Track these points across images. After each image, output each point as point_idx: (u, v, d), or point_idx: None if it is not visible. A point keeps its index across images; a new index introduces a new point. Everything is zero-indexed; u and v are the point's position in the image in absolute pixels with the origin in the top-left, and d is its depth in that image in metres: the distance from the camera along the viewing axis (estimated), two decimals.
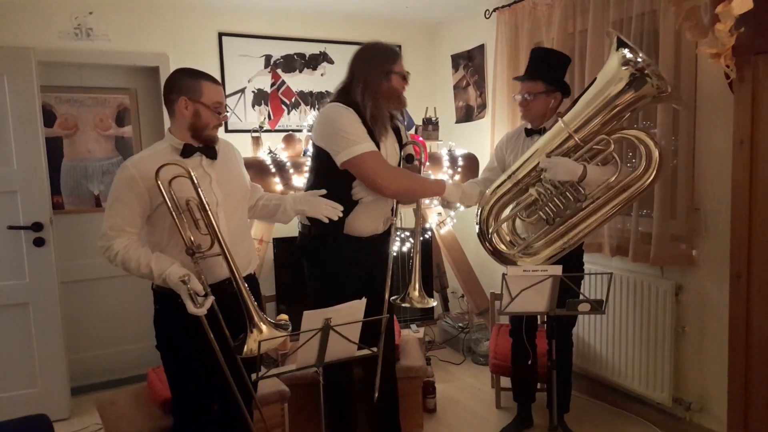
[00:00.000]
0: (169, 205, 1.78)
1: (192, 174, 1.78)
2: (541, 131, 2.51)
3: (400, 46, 4.28)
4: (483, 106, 3.95)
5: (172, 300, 1.81)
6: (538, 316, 2.76)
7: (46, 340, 3.09)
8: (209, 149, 1.95)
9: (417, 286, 2.24)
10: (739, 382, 2.12)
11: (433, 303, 2.27)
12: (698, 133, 2.57)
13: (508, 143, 2.70)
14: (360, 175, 2.19)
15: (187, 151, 1.91)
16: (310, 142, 3.34)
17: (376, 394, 2.33)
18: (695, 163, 2.59)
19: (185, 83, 1.90)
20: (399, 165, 2.37)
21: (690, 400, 2.70)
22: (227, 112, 2.03)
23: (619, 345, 2.96)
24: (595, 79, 2.22)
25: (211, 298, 1.80)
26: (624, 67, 2.10)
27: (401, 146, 2.39)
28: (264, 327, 1.76)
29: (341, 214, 2.16)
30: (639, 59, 2.07)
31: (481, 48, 3.91)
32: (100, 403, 2.46)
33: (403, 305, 2.28)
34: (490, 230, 2.42)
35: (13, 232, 3.01)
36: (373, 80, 2.20)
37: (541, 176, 2.27)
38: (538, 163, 2.29)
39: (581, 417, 2.98)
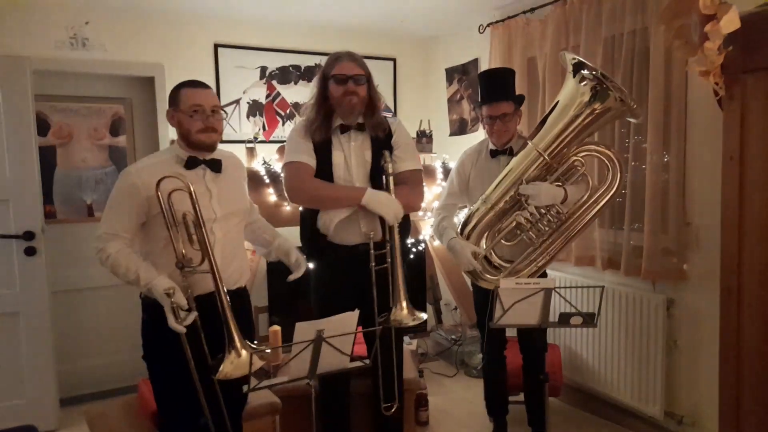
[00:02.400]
0: (166, 216, 1.79)
1: (191, 189, 1.78)
2: (507, 151, 2.54)
3: (393, 60, 4.33)
4: (477, 120, 3.98)
5: (160, 310, 1.80)
6: (506, 332, 2.77)
7: (36, 350, 3.06)
8: (214, 162, 1.95)
9: (404, 304, 2.13)
10: (731, 396, 2.13)
11: (424, 316, 2.17)
12: (689, 149, 2.60)
13: (470, 165, 2.66)
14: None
15: (190, 163, 1.92)
16: None
17: (383, 405, 2.32)
18: (686, 178, 2.62)
19: (171, 96, 1.95)
20: (370, 173, 2.28)
21: (682, 414, 2.71)
22: (214, 114, 1.94)
23: (611, 358, 2.97)
24: (557, 102, 2.33)
25: (193, 314, 1.80)
26: (583, 83, 2.23)
27: (376, 157, 2.28)
28: (243, 352, 1.73)
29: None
30: (594, 73, 2.18)
31: (475, 62, 3.95)
32: (90, 414, 2.44)
33: (393, 326, 2.16)
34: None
35: (4, 241, 2.99)
36: (317, 90, 2.29)
37: (524, 202, 2.35)
38: (516, 189, 2.36)
39: (572, 430, 2.98)
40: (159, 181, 1.77)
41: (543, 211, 2.35)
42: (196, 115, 1.89)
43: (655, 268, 2.68)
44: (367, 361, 1.94)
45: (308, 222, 2.31)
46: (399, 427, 2.51)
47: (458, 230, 2.54)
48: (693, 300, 2.64)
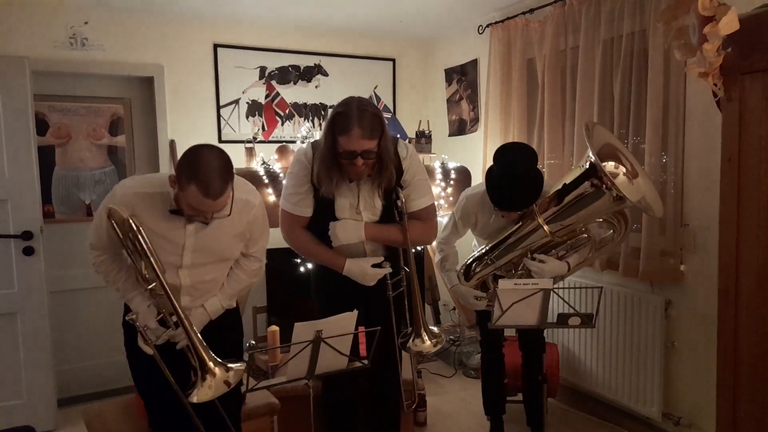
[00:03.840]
0: (125, 245, 1.76)
1: (141, 234, 1.72)
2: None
3: (393, 60, 4.33)
4: (476, 120, 3.98)
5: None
6: (505, 331, 2.79)
7: (34, 351, 3.06)
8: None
9: (425, 336, 2.16)
10: (728, 397, 2.13)
11: (439, 333, 2.21)
12: (687, 150, 2.61)
13: (475, 215, 2.58)
14: None
15: (176, 211, 1.80)
16: None
17: (405, 402, 2.38)
18: (684, 179, 2.63)
19: (183, 164, 1.70)
20: (380, 215, 2.23)
21: (679, 415, 2.71)
22: (210, 212, 1.77)
23: (609, 359, 2.97)
24: (571, 183, 2.26)
25: (168, 334, 1.81)
26: (586, 182, 2.19)
27: (387, 200, 2.22)
28: (217, 371, 1.70)
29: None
30: (605, 183, 2.13)
31: (474, 63, 3.95)
32: (87, 414, 2.44)
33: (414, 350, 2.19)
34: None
35: (3, 240, 2.99)
36: (324, 142, 2.10)
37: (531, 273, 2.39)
38: (521, 257, 2.43)
39: (569, 430, 2.98)
40: (108, 213, 1.72)
41: None
42: (194, 212, 1.75)
43: (652, 269, 2.69)
44: (366, 362, 1.93)
45: (312, 229, 2.26)
46: (396, 426, 2.51)
47: (461, 271, 2.60)
48: (690, 301, 2.65)
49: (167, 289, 1.75)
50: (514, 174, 2.30)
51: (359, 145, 2.01)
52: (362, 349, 2.39)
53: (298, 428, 2.58)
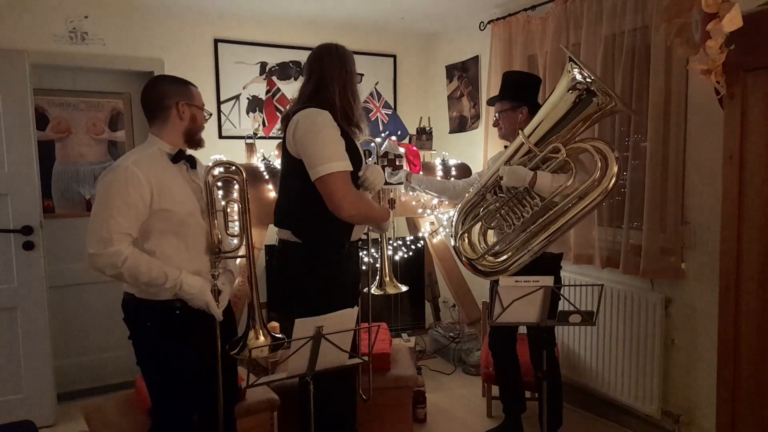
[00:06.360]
0: (209, 204, 1.92)
1: (244, 177, 1.91)
2: None
3: (394, 56, 4.33)
4: (477, 117, 3.98)
5: (167, 311, 1.87)
6: (518, 329, 2.79)
7: (33, 345, 3.06)
8: (192, 159, 2.00)
9: (388, 272, 2.49)
10: (728, 395, 2.13)
11: (404, 288, 2.52)
12: (688, 147, 2.60)
13: (495, 159, 2.75)
14: (326, 193, 2.02)
15: (177, 158, 1.94)
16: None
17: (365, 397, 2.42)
18: (685, 176, 2.62)
19: (178, 89, 1.95)
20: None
21: (679, 413, 2.71)
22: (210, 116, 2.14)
23: (609, 356, 2.98)
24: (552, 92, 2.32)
25: (225, 300, 1.97)
26: (570, 92, 2.21)
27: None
28: (261, 335, 1.90)
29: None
30: (587, 80, 2.15)
31: (475, 59, 3.94)
32: (87, 409, 2.43)
33: (379, 293, 2.46)
34: (459, 234, 2.54)
35: (2, 235, 2.98)
36: (350, 82, 2.16)
37: (501, 183, 2.40)
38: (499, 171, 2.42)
39: (570, 427, 2.98)
40: (209, 169, 1.90)
41: (513, 192, 2.36)
42: (201, 114, 2.02)
43: (653, 267, 2.68)
44: (366, 358, 1.93)
45: (323, 217, 2.08)
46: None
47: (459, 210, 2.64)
48: (691, 299, 2.65)
49: (252, 245, 1.93)
50: (505, 72, 2.82)
51: None
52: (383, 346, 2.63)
53: (297, 424, 2.58)
